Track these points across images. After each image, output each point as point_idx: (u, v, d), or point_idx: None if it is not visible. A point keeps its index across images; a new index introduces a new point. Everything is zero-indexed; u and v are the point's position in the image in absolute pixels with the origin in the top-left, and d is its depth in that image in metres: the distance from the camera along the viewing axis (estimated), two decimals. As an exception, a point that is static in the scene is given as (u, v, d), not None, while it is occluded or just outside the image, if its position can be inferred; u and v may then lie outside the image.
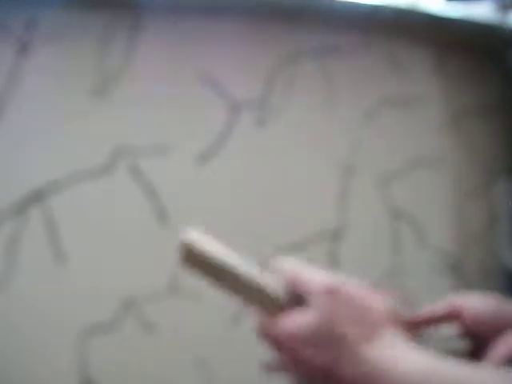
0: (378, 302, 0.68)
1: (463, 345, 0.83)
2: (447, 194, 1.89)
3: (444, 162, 1.87)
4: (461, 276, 1.92)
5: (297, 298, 0.67)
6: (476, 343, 0.82)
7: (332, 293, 0.66)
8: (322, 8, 1.68)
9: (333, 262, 1.76)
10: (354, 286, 0.68)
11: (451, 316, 0.83)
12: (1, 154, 1.45)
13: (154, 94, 1.56)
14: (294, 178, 1.70)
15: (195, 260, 0.66)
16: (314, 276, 0.68)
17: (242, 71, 1.66)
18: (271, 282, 0.68)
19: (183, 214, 1.60)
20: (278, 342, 0.68)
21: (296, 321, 0.66)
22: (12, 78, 1.45)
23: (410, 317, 0.83)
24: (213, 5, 1.59)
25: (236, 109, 1.66)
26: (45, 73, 1.47)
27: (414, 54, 1.87)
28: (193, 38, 1.60)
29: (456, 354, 0.82)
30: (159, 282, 1.58)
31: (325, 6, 1.67)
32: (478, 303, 0.83)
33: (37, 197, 1.47)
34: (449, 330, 0.85)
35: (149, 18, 1.55)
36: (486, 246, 1.94)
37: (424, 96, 1.85)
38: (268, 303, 0.67)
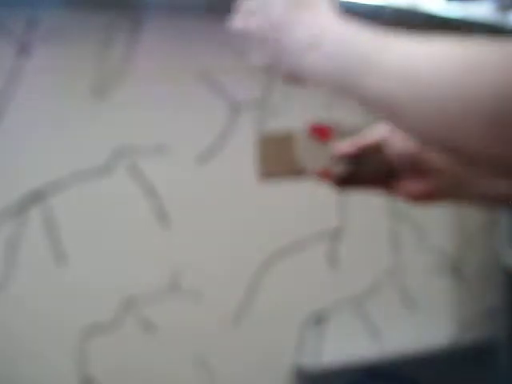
0: None
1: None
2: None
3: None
4: (460, 276, 1.93)
5: None
6: (389, 174, 0.82)
7: None
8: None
9: (333, 262, 1.76)
10: None
11: (375, 148, 0.81)
12: (1, 154, 1.45)
13: (154, 95, 1.56)
14: (293, 178, 1.69)
15: None
16: None
17: (242, 71, 1.66)
18: None
19: (183, 214, 1.60)
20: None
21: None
22: (12, 78, 1.45)
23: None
24: (213, 5, 1.59)
25: (236, 109, 1.66)
26: (45, 73, 1.47)
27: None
28: (193, 38, 1.60)
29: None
30: (159, 282, 1.58)
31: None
32: (401, 143, 0.79)
33: (37, 197, 1.47)
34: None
35: (149, 19, 1.55)
36: (485, 246, 1.94)
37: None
38: None
